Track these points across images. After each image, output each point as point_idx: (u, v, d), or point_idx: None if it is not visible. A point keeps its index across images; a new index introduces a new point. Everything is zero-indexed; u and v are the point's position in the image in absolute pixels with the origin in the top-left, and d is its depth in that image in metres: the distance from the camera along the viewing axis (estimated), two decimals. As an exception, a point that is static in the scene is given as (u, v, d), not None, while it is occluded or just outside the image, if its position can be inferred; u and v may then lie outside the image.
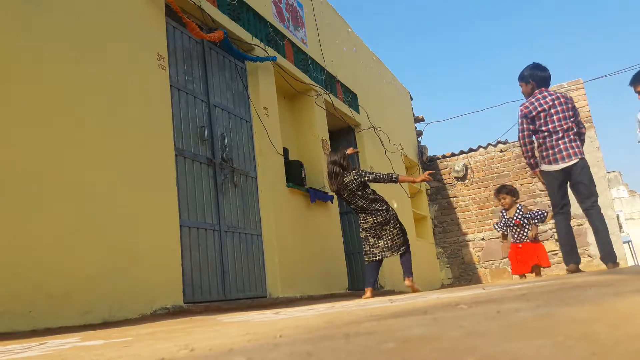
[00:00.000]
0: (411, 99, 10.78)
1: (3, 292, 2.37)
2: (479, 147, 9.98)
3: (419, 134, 10.55)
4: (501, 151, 9.72)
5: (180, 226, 3.64)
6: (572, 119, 4.35)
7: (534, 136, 4.45)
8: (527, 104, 4.44)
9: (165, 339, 1.62)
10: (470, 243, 9.78)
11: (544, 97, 4.39)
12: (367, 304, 2.52)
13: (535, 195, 9.27)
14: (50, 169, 2.76)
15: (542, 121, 4.35)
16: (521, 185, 9.43)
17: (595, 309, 1.08)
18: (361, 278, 7.01)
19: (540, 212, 5.44)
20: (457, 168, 9.99)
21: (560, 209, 4.39)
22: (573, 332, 0.79)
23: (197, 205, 4.00)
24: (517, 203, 5.59)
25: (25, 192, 2.59)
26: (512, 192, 5.54)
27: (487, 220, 9.65)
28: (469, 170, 9.95)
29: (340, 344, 0.94)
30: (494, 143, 9.87)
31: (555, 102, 4.36)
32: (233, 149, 4.64)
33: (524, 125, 4.43)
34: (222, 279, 4.10)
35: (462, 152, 10.17)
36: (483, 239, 9.67)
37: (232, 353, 1.01)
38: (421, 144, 10.40)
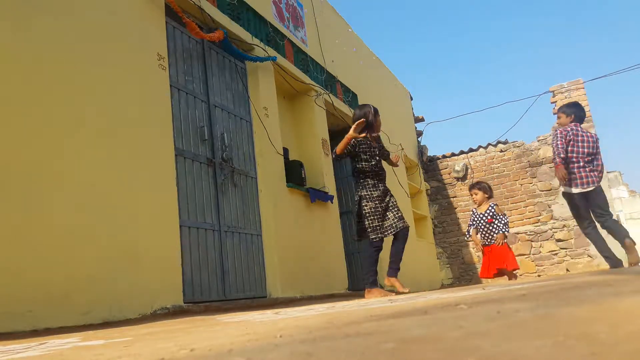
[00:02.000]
0: (411, 99, 10.78)
1: (3, 292, 2.37)
2: (479, 147, 9.98)
3: (419, 134, 10.55)
4: (501, 151, 9.72)
5: (180, 226, 3.64)
6: (594, 155, 5.25)
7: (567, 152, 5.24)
8: (568, 129, 5.28)
9: (166, 339, 1.62)
10: (470, 243, 9.77)
11: (578, 130, 5.28)
12: (367, 304, 2.52)
13: (535, 195, 9.27)
14: (50, 169, 2.76)
15: (572, 147, 5.21)
16: (521, 185, 9.43)
17: (595, 309, 1.08)
18: (361, 278, 7.00)
19: (506, 218, 5.40)
20: (457, 168, 9.99)
21: (589, 223, 5.18)
22: (573, 332, 0.79)
23: (197, 205, 4.00)
24: (490, 201, 5.47)
25: (25, 192, 2.59)
26: (484, 189, 5.44)
27: (487, 220, 9.64)
28: (469, 170, 9.95)
29: (340, 344, 0.94)
30: (494, 143, 9.87)
31: (585, 137, 5.25)
32: (233, 149, 4.64)
33: (561, 141, 5.23)
34: (222, 279, 4.10)
35: (462, 152, 10.17)
36: (483, 239, 9.66)
37: (232, 353, 1.01)
38: (421, 144, 10.40)
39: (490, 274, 5.37)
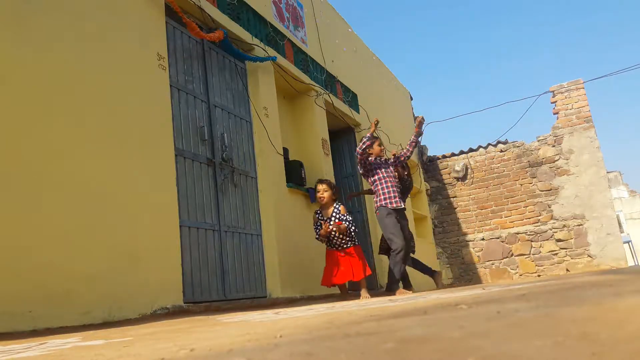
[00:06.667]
0: (411, 98, 10.78)
1: (3, 291, 2.37)
2: (479, 147, 9.98)
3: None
4: (501, 151, 9.72)
5: (180, 226, 3.64)
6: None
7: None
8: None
9: (166, 339, 1.62)
10: (470, 243, 9.78)
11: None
12: (367, 304, 2.52)
13: (535, 195, 9.27)
14: (51, 169, 2.76)
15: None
16: (521, 185, 9.42)
17: (595, 309, 1.08)
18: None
19: (350, 220, 4.62)
20: (457, 168, 9.99)
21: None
22: (573, 332, 0.79)
23: (197, 205, 3.99)
24: (334, 200, 4.74)
25: (25, 192, 2.59)
26: (332, 185, 4.69)
27: (487, 220, 9.65)
28: (469, 170, 9.95)
29: (340, 344, 0.94)
30: (494, 143, 9.87)
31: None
32: (233, 149, 4.64)
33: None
34: (222, 279, 4.10)
35: (462, 152, 10.17)
36: (483, 239, 9.67)
37: (232, 353, 1.01)
38: (421, 144, 10.40)
39: (335, 281, 4.62)
